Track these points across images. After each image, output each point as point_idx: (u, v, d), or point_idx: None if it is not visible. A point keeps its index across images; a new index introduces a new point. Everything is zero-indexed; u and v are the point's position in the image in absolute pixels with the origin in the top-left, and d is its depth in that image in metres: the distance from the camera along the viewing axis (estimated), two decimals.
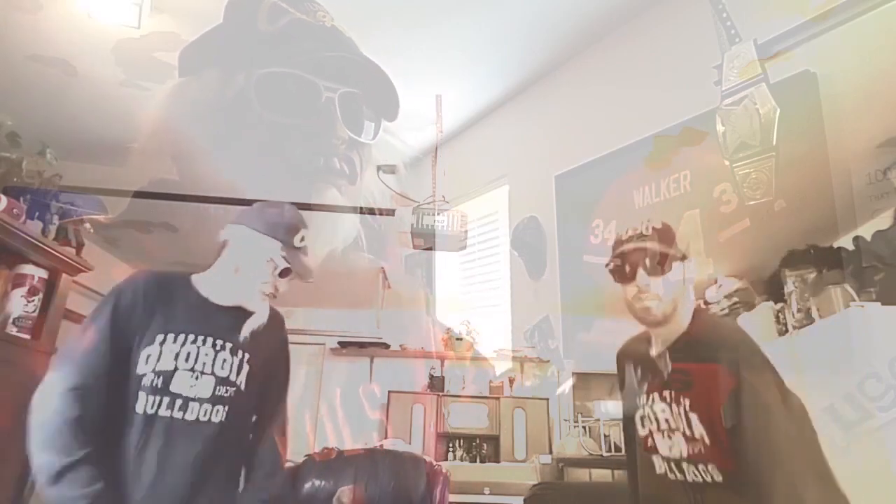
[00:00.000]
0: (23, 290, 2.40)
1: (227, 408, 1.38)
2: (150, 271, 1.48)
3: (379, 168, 2.95)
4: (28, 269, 2.43)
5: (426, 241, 2.33)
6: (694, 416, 1.22)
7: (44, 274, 2.48)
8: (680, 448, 1.26)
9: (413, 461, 3.66)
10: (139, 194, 3.18)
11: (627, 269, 1.37)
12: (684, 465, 1.26)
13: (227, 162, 2.35)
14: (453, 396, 5.56)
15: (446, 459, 5.15)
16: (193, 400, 1.34)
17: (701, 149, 2.69)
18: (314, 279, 1.58)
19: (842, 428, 1.76)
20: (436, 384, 5.65)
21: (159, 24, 2.77)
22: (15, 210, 2.26)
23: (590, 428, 4.52)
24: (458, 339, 5.74)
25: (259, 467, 1.49)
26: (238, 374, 1.41)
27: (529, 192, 3.96)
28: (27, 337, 2.41)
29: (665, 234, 1.38)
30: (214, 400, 1.36)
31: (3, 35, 2.80)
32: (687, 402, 1.25)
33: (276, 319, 1.61)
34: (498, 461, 5.14)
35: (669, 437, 1.28)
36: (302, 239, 1.50)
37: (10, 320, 2.36)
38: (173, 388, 1.33)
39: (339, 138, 2.43)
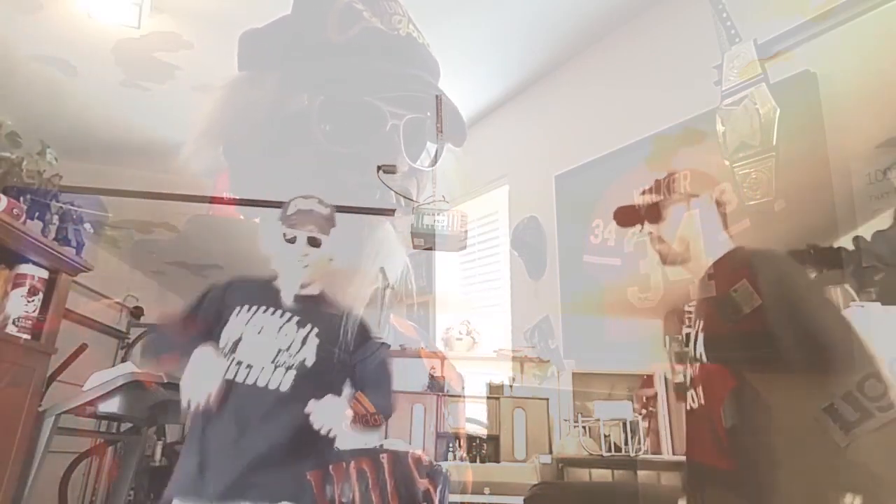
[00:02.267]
0: (23, 290, 2.40)
1: (291, 378, 1.52)
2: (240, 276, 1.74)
3: (379, 168, 2.94)
4: (28, 269, 2.43)
5: (426, 241, 2.32)
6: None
7: (44, 274, 2.48)
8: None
9: (413, 461, 3.66)
10: (139, 194, 3.18)
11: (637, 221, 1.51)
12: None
13: (277, 174, 2.30)
14: (453, 396, 5.58)
15: (446, 459, 5.16)
16: (257, 367, 1.50)
17: (701, 149, 2.69)
18: (334, 231, 1.68)
19: (842, 428, 1.76)
20: (436, 384, 5.66)
21: (159, 24, 2.78)
22: (15, 210, 2.26)
23: (590, 428, 4.52)
24: (457, 339, 5.74)
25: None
26: (304, 345, 1.56)
27: (529, 192, 3.96)
28: (27, 337, 2.41)
29: (666, 184, 1.50)
30: (276, 368, 1.52)
31: (3, 35, 2.80)
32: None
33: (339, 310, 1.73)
34: (498, 461, 5.15)
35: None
36: (294, 205, 1.65)
37: (10, 320, 2.36)
38: (239, 356, 1.51)
39: (399, 170, 2.34)
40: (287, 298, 1.62)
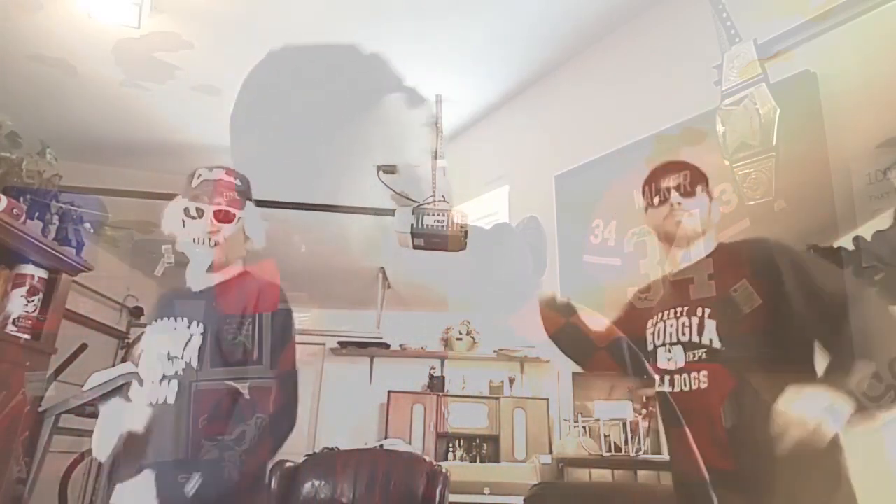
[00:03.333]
0: (23, 290, 2.40)
1: (174, 387, 1.38)
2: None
3: (379, 168, 2.94)
4: (28, 269, 2.43)
5: (426, 241, 2.32)
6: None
7: (44, 274, 2.48)
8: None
9: (413, 461, 3.66)
10: (139, 194, 3.18)
11: (662, 189, 1.48)
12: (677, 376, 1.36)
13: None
14: (453, 396, 5.58)
15: (446, 459, 5.17)
16: (149, 381, 1.41)
17: (701, 149, 2.69)
18: (252, 206, 1.50)
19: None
20: (436, 384, 5.66)
21: (159, 24, 2.77)
22: (15, 210, 2.26)
23: (590, 428, 4.52)
24: (457, 338, 5.74)
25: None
26: (189, 345, 1.39)
27: (529, 192, 3.95)
28: (27, 337, 2.41)
29: (698, 168, 1.52)
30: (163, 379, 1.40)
31: (3, 35, 2.80)
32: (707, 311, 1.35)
33: (250, 282, 1.51)
34: (498, 461, 5.16)
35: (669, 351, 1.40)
36: (199, 176, 1.45)
37: (10, 320, 2.36)
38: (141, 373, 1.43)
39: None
40: (195, 286, 1.42)
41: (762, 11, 1.99)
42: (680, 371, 1.37)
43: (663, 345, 1.41)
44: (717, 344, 1.29)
